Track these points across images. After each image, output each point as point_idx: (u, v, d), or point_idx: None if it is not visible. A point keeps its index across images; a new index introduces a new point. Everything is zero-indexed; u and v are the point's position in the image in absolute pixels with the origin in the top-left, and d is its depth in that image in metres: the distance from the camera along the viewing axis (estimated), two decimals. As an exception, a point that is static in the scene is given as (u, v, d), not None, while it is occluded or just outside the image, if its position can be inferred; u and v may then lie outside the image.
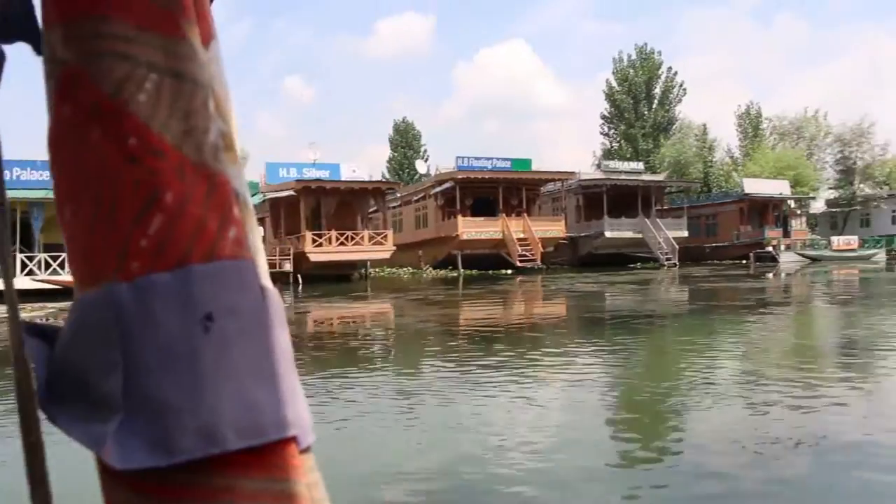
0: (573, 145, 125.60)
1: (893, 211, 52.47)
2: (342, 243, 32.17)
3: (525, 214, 38.12)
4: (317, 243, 31.72)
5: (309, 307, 19.35)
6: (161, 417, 0.45)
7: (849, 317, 13.82)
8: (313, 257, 31.42)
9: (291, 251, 31.82)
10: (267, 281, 0.50)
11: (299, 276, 30.69)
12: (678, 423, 5.53)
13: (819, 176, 56.58)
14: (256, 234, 0.50)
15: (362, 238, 32.71)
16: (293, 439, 0.48)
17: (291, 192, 32.93)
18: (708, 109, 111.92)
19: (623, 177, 45.07)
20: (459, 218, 36.64)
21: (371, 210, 36.54)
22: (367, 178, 36.48)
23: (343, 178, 35.66)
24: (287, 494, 0.47)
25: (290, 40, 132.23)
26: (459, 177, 37.12)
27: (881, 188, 55.26)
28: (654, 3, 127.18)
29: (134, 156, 0.46)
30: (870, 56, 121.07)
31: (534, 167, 41.74)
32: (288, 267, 31.25)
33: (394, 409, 6.08)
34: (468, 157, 39.41)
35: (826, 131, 57.90)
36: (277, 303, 0.50)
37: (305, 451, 0.50)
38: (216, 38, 0.51)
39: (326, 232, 32.20)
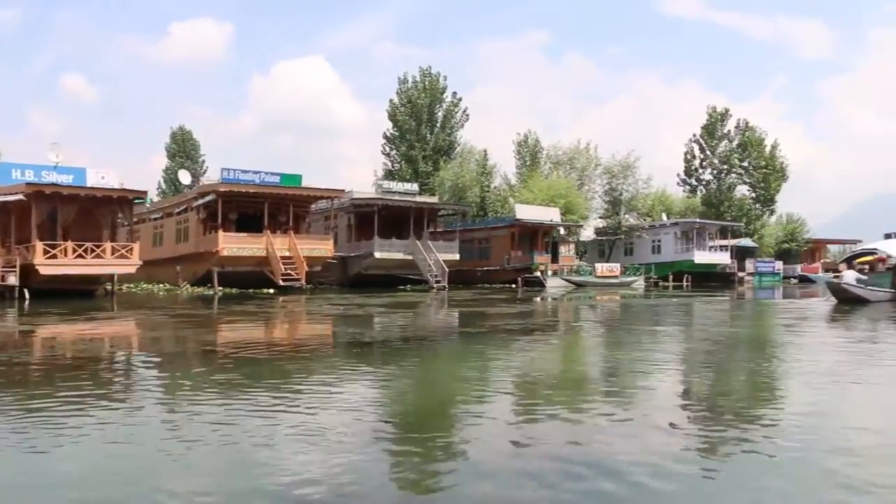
0: (370, 165, 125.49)
1: (653, 241, 56.39)
2: (80, 255, 29.04)
3: (291, 232, 36.66)
4: (49, 255, 28.36)
5: (25, 326, 17.00)
6: None
7: (595, 341, 14.61)
8: (44, 270, 28.00)
9: (18, 262, 28.36)
10: None
11: (26, 290, 27.40)
12: (446, 455, 5.29)
13: (589, 205, 59.68)
14: None
15: (104, 250, 29.72)
16: None
17: (22, 197, 29.30)
18: (499, 136, 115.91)
19: (397, 197, 44.85)
20: (220, 233, 34.51)
21: (127, 223, 33.74)
22: (116, 186, 33.27)
23: (89, 185, 32.32)
24: None
25: (71, 34, 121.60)
26: (222, 189, 35.04)
27: (644, 219, 59.26)
28: (454, 31, 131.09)
29: None
30: (642, 99, 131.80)
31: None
32: (13, 280, 27.73)
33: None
34: (234, 170, 37.27)
35: (596, 163, 61.19)
36: None
37: None
38: None
39: (62, 243, 28.96)
